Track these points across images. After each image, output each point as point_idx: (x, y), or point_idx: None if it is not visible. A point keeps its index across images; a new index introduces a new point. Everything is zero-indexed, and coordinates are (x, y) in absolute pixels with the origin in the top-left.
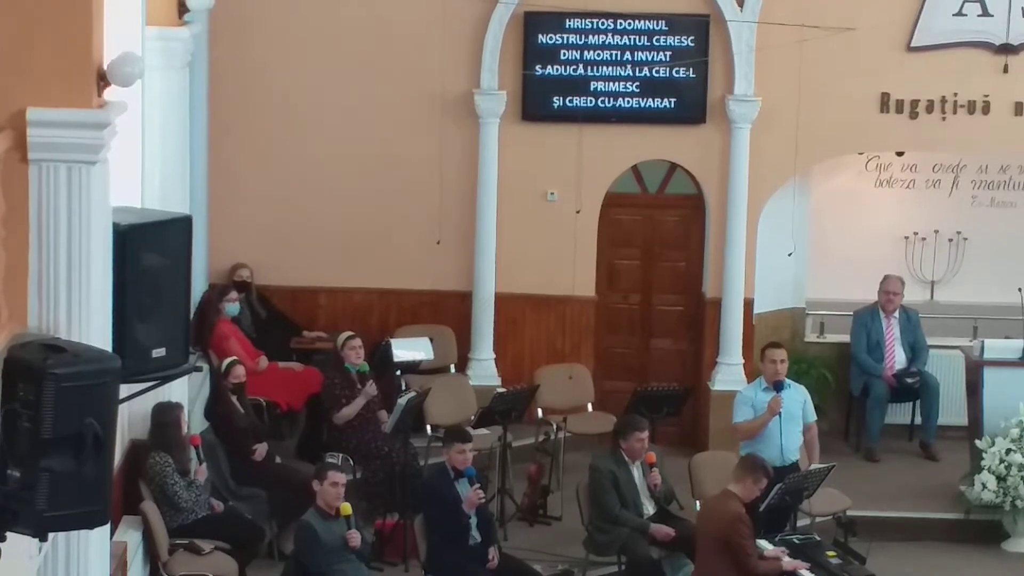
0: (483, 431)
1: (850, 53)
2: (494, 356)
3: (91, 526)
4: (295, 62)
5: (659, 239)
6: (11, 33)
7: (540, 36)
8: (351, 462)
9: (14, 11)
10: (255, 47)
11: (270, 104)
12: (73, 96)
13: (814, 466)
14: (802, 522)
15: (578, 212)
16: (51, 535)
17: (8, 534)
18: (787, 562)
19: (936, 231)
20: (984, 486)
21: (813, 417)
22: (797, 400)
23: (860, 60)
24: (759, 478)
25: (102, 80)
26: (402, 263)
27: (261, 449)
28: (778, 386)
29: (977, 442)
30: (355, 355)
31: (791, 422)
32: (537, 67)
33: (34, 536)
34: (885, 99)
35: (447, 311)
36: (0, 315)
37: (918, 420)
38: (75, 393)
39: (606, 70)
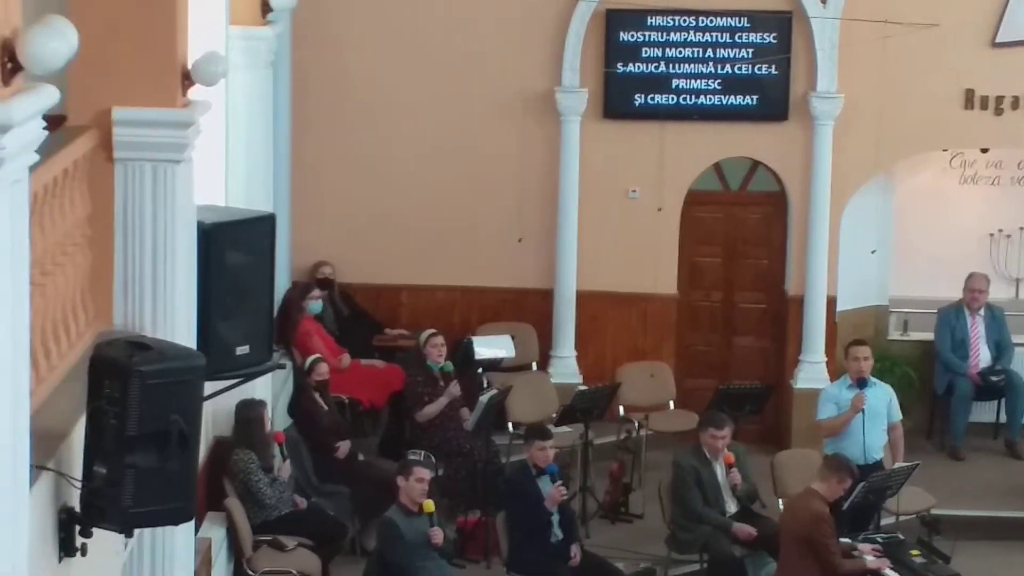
0: (565, 429)
1: (934, 49)
2: (575, 354)
3: (176, 522)
4: (377, 61)
5: (741, 236)
6: (97, 33)
7: (622, 33)
8: (433, 459)
9: (100, 11)
10: (338, 46)
11: (352, 103)
12: (158, 95)
13: (898, 464)
14: (886, 521)
15: (660, 210)
16: (136, 531)
17: (94, 530)
18: (871, 561)
19: (1021, 228)
20: None
21: (898, 416)
22: (882, 398)
23: (944, 56)
24: (844, 478)
25: (187, 79)
26: (484, 261)
27: (344, 446)
28: (862, 383)
29: None
30: (437, 353)
31: (875, 420)
32: (619, 64)
33: (120, 532)
34: (969, 95)
35: (529, 309)
36: (87, 313)
37: (1003, 418)
38: (160, 390)
39: (688, 67)
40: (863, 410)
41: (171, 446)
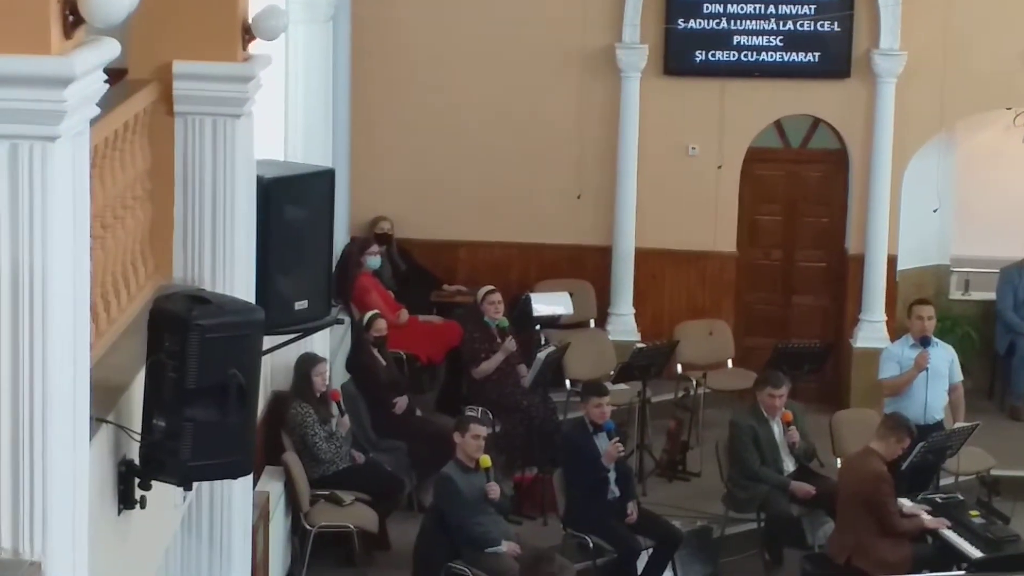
0: (622, 386)
1: (998, 5)
2: (634, 311)
3: (234, 476)
4: (436, 16)
5: (801, 194)
6: None
7: None
8: (490, 416)
9: None
10: (397, 2)
11: (411, 58)
12: (218, 49)
13: (958, 424)
14: (945, 481)
15: (720, 167)
16: (195, 485)
17: (153, 483)
18: (929, 520)
19: None
20: None
21: (960, 377)
22: (944, 358)
23: (1008, 13)
24: (902, 437)
25: (247, 33)
26: (542, 217)
27: (401, 402)
28: (925, 342)
29: None
30: (495, 309)
31: (937, 380)
32: (680, 21)
33: (179, 485)
34: None
35: (587, 266)
36: (146, 267)
37: None
38: (219, 344)
39: (749, 24)
40: (926, 369)
41: (230, 400)
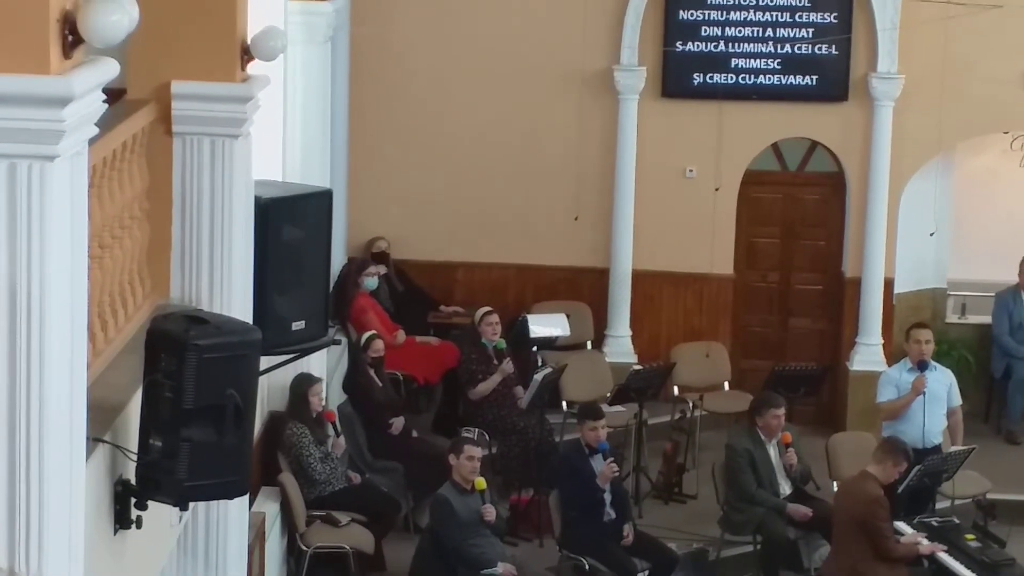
0: (619, 408)
1: (996, 31)
2: (631, 333)
3: (230, 496)
4: (435, 37)
5: (798, 217)
6: (157, 7)
7: (681, 12)
8: (487, 437)
9: None
10: (395, 22)
11: (409, 79)
12: (217, 70)
13: (954, 448)
14: (941, 504)
15: (717, 189)
16: (191, 505)
17: (150, 503)
18: (925, 545)
19: None
20: None
21: (958, 401)
22: (943, 382)
23: (1006, 38)
24: (899, 461)
25: (246, 54)
26: (539, 239)
27: (398, 423)
28: (923, 366)
29: None
30: (492, 331)
31: (935, 404)
32: (678, 43)
33: (175, 505)
34: None
35: (584, 287)
36: (144, 286)
37: None
38: (216, 364)
39: (747, 47)
40: (924, 393)
41: (227, 420)
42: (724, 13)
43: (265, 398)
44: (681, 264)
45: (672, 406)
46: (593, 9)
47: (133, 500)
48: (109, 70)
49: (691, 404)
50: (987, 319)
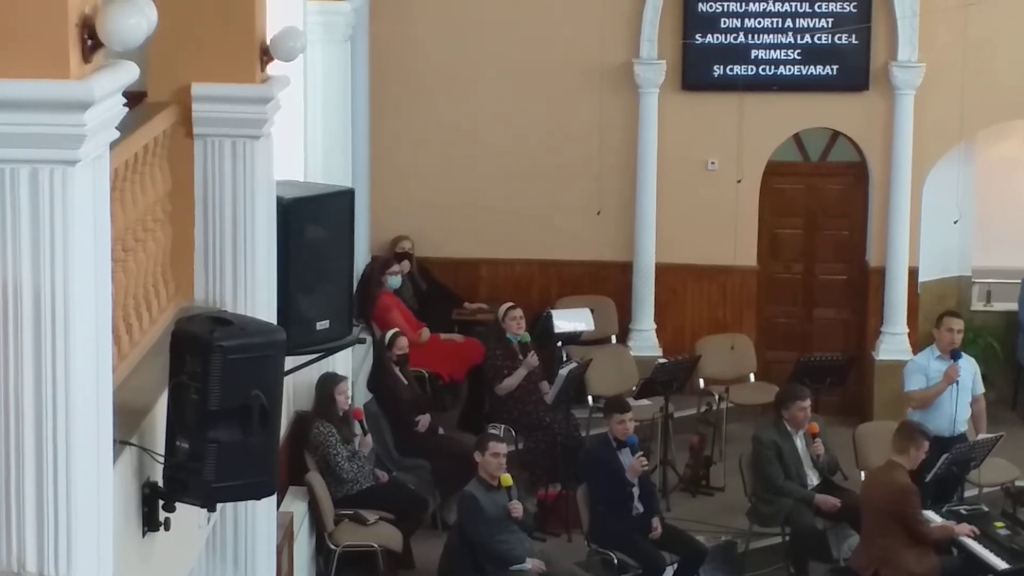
0: (645, 402)
1: (1016, 16)
2: (655, 327)
3: (258, 497)
4: (454, 35)
5: (821, 208)
6: (176, 9)
7: (700, 4)
8: (513, 433)
9: None
10: (414, 20)
11: (430, 76)
12: (237, 71)
13: (981, 436)
14: (969, 492)
15: (739, 181)
16: (219, 506)
17: (177, 505)
18: (959, 527)
19: None
20: None
21: (981, 389)
22: (969, 371)
23: None
24: (920, 442)
25: (265, 55)
26: (562, 234)
27: (424, 420)
28: (954, 355)
29: None
30: (516, 325)
31: (963, 392)
32: (697, 36)
33: (203, 507)
34: None
35: (608, 282)
36: (168, 289)
37: None
38: (242, 365)
39: (767, 37)
40: (956, 382)
41: (253, 421)
42: (743, 4)
43: (291, 398)
44: (704, 257)
45: (698, 399)
46: (612, 3)
47: (161, 502)
48: (129, 73)
49: (717, 397)
50: (1013, 306)
